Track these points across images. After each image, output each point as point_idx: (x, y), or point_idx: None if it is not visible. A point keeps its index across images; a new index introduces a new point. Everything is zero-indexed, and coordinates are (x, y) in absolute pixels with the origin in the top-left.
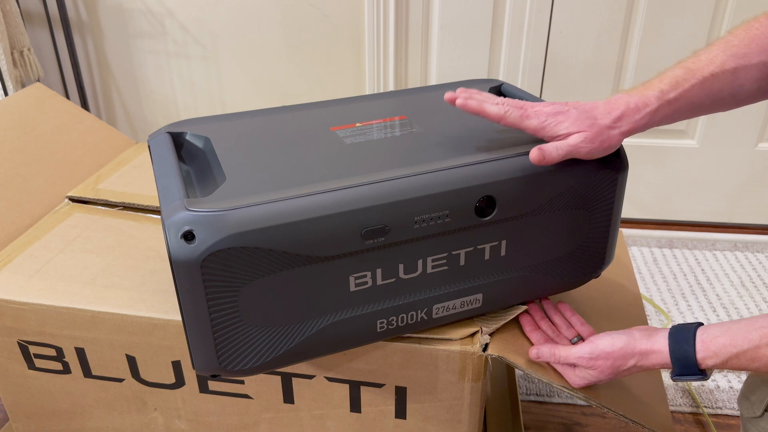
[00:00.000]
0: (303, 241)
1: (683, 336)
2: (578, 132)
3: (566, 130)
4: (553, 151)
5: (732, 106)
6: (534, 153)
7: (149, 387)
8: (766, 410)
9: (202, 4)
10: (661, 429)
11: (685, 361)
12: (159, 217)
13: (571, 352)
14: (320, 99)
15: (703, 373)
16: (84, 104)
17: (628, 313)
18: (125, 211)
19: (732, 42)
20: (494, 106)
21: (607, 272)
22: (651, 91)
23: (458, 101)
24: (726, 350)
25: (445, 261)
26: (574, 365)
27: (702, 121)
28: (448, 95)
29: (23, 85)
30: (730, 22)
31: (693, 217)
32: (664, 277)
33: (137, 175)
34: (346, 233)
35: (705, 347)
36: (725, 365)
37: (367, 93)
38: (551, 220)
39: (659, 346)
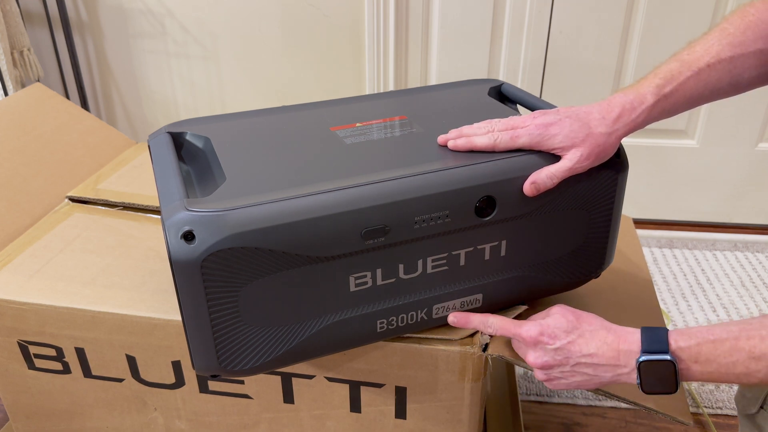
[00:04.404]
0: (303, 241)
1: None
2: (573, 147)
3: (560, 143)
4: (548, 181)
5: (733, 94)
6: (527, 188)
7: (149, 387)
8: (761, 407)
9: (202, 4)
10: (679, 414)
11: (655, 335)
12: (159, 217)
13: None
14: (320, 99)
15: (672, 359)
16: (84, 104)
17: (640, 300)
18: (125, 211)
19: (727, 30)
20: (483, 137)
21: (619, 262)
22: (646, 87)
23: (449, 144)
24: (702, 335)
25: (445, 261)
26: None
27: (702, 120)
28: (440, 140)
29: (23, 85)
30: None
31: (693, 217)
32: (664, 277)
33: (137, 175)
34: (346, 233)
35: (679, 331)
36: (699, 353)
37: (367, 93)
38: (551, 220)
39: (632, 331)
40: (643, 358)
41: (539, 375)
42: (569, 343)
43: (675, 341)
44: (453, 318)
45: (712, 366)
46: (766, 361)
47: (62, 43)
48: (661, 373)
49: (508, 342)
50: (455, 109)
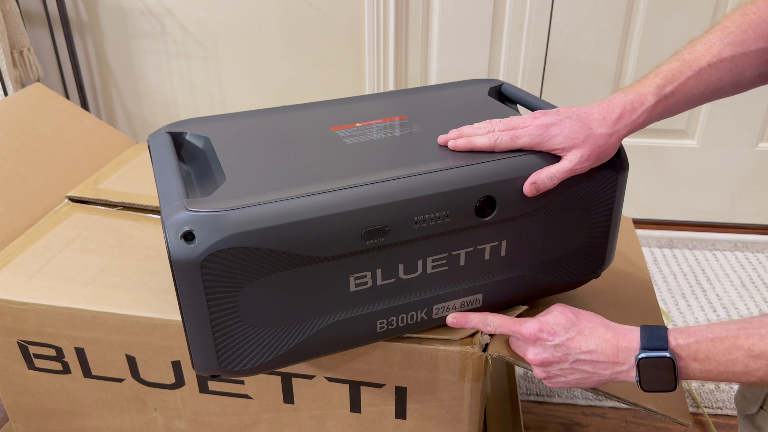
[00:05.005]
0: (303, 241)
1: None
2: (574, 148)
3: (561, 144)
4: (548, 182)
5: (734, 93)
6: (527, 188)
7: (149, 387)
8: (761, 407)
9: (202, 4)
10: (678, 415)
11: (655, 333)
12: (159, 217)
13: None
14: (320, 99)
15: (671, 356)
16: (84, 104)
17: (639, 300)
18: (125, 211)
19: (729, 29)
20: (483, 137)
21: (619, 263)
22: (647, 87)
23: (449, 144)
24: (701, 333)
25: (445, 261)
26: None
27: (702, 121)
28: (440, 140)
29: (23, 85)
30: None
31: (693, 217)
32: (664, 277)
33: (137, 175)
34: (346, 233)
35: (678, 329)
36: (699, 351)
37: (367, 93)
38: (551, 220)
39: (631, 329)
40: (643, 355)
41: (538, 372)
42: (568, 339)
43: (674, 339)
44: (452, 319)
45: (711, 364)
46: (765, 359)
47: (62, 43)
48: (661, 370)
49: (507, 342)
50: (455, 109)
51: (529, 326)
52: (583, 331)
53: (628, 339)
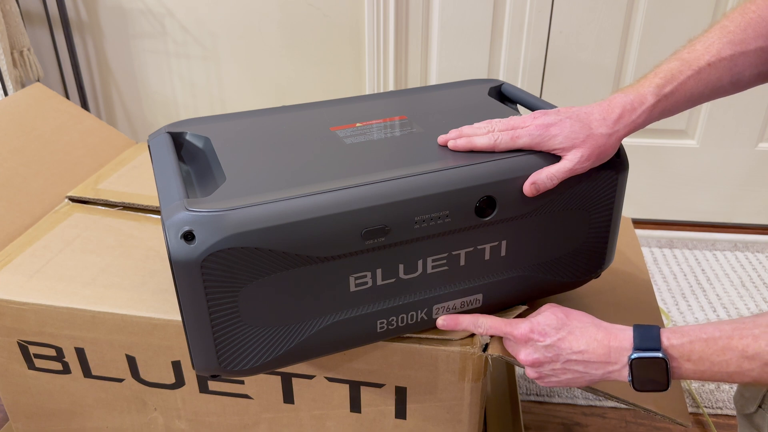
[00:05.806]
0: (303, 241)
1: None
2: (573, 148)
3: (561, 144)
4: (548, 182)
5: (734, 92)
6: (527, 188)
7: (149, 387)
8: (760, 406)
9: (202, 4)
10: (677, 415)
11: (648, 333)
12: (159, 217)
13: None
14: (320, 99)
15: (664, 356)
16: (84, 104)
17: (639, 300)
18: (125, 211)
19: (728, 28)
20: (483, 137)
21: (619, 263)
22: (647, 87)
23: (449, 144)
24: (694, 333)
25: (445, 261)
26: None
27: (702, 121)
28: (440, 140)
29: (23, 85)
30: None
31: (693, 217)
32: (664, 277)
33: (137, 175)
34: (346, 233)
35: (671, 329)
36: (692, 351)
37: (367, 93)
38: (551, 220)
39: (623, 329)
40: (636, 355)
41: (530, 373)
42: (559, 340)
43: (667, 339)
44: (442, 321)
45: (704, 364)
46: (759, 360)
47: (62, 43)
48: (653, 370)
49: None
50: (455, 109)
51: (519, 327)
52: (573, 331)
53: (620, 339)
